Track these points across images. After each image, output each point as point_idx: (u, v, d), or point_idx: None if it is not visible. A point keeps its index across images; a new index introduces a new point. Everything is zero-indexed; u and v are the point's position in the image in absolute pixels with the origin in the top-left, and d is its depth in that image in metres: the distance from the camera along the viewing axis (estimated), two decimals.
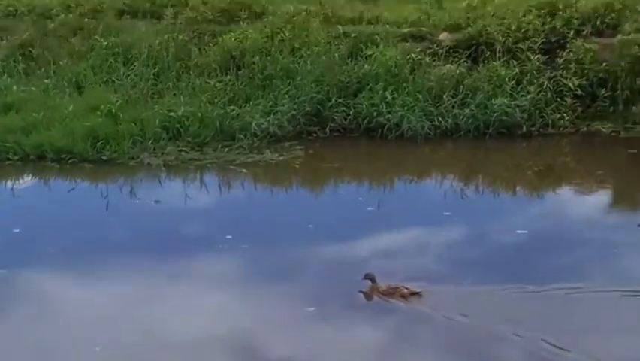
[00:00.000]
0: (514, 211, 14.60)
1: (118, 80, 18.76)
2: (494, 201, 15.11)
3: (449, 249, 12.82)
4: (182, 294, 11.40)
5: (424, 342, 10.20)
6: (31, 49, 19.66)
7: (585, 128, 17.72)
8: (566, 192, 15.75)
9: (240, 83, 18.51)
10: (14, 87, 18.49)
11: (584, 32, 18.58)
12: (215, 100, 18.03)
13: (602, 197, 15.27)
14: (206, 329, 10.38)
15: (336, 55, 18.61)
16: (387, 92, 17.84)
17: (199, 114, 17.49)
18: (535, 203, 15.09)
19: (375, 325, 10.63)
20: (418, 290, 11.06)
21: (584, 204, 14.96)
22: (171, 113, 17.47)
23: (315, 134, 17.87)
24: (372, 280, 11.25)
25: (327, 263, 12.26)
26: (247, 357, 9.96)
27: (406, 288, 11.08)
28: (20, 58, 19.51)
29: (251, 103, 18.01)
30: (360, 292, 11.28)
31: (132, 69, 18.98)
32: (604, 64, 17.91)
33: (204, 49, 19.44)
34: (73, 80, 18.83)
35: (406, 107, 17.62)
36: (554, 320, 10.32)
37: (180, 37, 19.46)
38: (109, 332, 10.36)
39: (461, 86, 17.91)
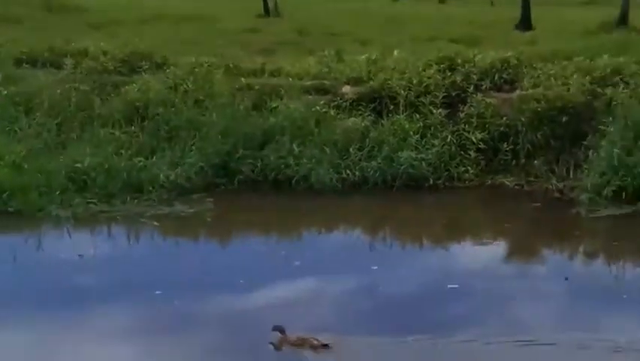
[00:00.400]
0: (419, 264, 14.88)
1: (20, 129, 18.41)
2: (400, 254, 15.23)
3: (352, 300, 12.98)
4: (75, 345, 11.30)
5: None
6: None
7: (489, 182, 18.11)
8: (470, 244, 15.90)
9: (145, 134, 18.43)
10: None
11: (483, 87, 19.09)
12: (122, 151, 17.85)
13: (505, 249, 15.63)
14: None
15: (241, 107, 18.73)
16: (294, 145, 17.97)
17: (106, 166, 17.35)
18: (440, 255, 15.31)
19: None
20: (328, 342, 11.08)
21: (488, 256, 15.14)
22: (77, 165, 17.29)
23: (223, 187, 17.86)
24: (282, 331, 11.25)
25: (232, 315, 12.27)
26: None
27: (316, 340, 11.12)
28: None
29: (157, 155, 17.94)
30: (270, 343, 11.24)
31: (34, 119, 18.66)
32: (504, 118, 18.40)
33: (107, 99, 19.32)
34: None
35: (313, 160, 17.80)
36: None
37: (82, 87, 19.27)
38: None
39: (367, 139, 18.20)
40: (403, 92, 18.77)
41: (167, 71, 19.87)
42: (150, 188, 17.17)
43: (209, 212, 16.58)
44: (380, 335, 11.41)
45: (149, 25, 27.54)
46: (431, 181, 17.80)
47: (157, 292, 12.82)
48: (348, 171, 17.77)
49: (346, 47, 22.79)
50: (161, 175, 17.31)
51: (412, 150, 17.94)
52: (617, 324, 11.79)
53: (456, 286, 13.12)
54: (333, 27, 27.65)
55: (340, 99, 19.09)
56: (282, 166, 17.80)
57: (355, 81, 19.63)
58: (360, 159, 17.95)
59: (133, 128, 18.57)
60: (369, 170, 17.76)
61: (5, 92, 18.99)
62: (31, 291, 13.09)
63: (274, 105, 18.82)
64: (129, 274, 13.83)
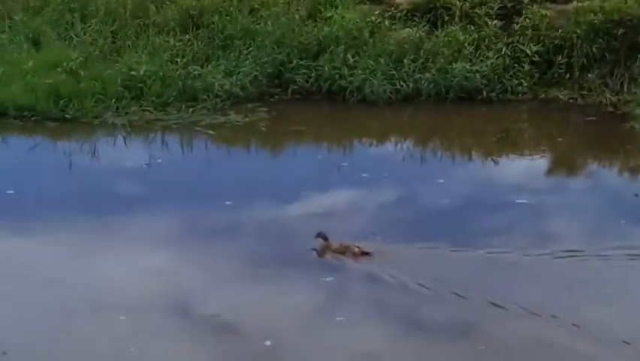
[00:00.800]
0: (468, 176, 14.72)
1: (76, 36, 18.54)
2: (450, 166, 15.15)
3: (399, 210, 12.93)
4: (114, 250, 11.36)
5: (362, 301, 10.19)
6: None
7: (543, 95, 17.97)
8: (522, 158, 15.76)
9: (199, 42, 18.47)
10: None
11: None
12: (176, 59, 17.91)
13: (557, 162, 15.48)
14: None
15: (296, 16, 18.69)
16: (348, 55, 17.93)
17: (161, 74, 17.43)
18: (489, 168, 15.17)
19: (316, 283, 10.56)
20: (370, 250, 11.16)
21: (538, 170, 14.95)
22: (133, 72, 17.36)
23: (277, 96, 17.94)
24: (325, 238, 11.31)
25: (281, 222, 12.27)
26: (182, 316, 9.81)
27: (358, 247, 11.18)
28: None
29: (212, 63, 17.95)
30: (313, 249, 11.33)
31: (90, 26, 18.77)
32: (559, 30, 18.15)
33: (161, 7, 19.32)
34: (30, 35, 18.56)
35: (367, 71, 17.73)
36: (497, 282, 10.45)
37: None
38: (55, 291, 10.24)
39: (421, 51, 18.04)
40: (458, 2, 18.58)
41: None
42: (205, 97, 17.24)
43: (263, 121, 16.64)
44: (421, 244, 11.43)
45: None
46: (484, 94, 17.69)
47: (209, 199, 13.01)
48: (402, 83, 17.69)
49: None
50: (216, 84, 17.34)
51: (466, 62, 17.82)
52: None
53: (503, 199, 13.19)
54: None
55: (395, 9, 18.93)
56: (336, 77, 17.75)
57: None
58: (414, 71, 17.84)
59: (188, 36, 18.60)
60: (422, 81, 17.68)
61: None
62: (85, 195, 13.22)
63: (329, 15, 18.71)
64: (181, 182, 13.92)
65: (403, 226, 12.31)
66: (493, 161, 15.49)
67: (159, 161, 14.79)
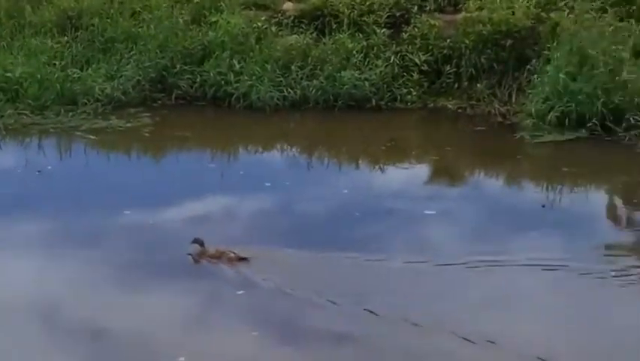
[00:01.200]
0: (353, 183, 14.31)
1: None
2: (336, 173, 14.78)
3: (279, 216, 12.63)
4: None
5: (234, 307, 10.00)
6: None
7: (432, 104, 17.76)
8: (408, 166, 15.48)
9: (78, 45, 17.84)
10: None
11: (427, 8, 18.64)
12: (54, 62, 17.25)
13: (445, 171, 15.22)
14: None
15: (180, 20, 18.15)
16: (234, 61, 17.49)
17: (38, 76, 16.75)
18: (375, 176, 14.86)
19: (189, 290, 10.30)
20: (246, 256, 10.98)
21: (424, 177, 14.77)
22: (8, 74, 16.62)
23: (160, 102, 17.39)
24: (201, 244, 11.11)
25: (160, 228, 11.88)
26: (48, 321, 9.44)
27: (234, 253, 11.02)
28: None
29: (93, 67, 17.33)
30: (189, 255, 11.05)
31: None
32: (448, 40, 17.98)
33: (38, 7, 18.56)
34: None
35: (254, 77, 17.31)
36: (374, 289, 10.27)
37: None
38: None
39: (309, 58, 17.70)
40: (346, 10, 18.28)
41: None
42: (85, 101, 16.61)
43: (146, 127, 16.07)
44: (298, 249, 11.15)
45: None
46: (374, 102, 17.39)
47: (86, 205, 12.46)
48: (289, 90, 17.32)
49: None
50: (97, 88, 16.73)
51: (354, 70, 17.53)
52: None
53: (386, 206, 12.88)
54: None
55: (281, 16, 18.58)
56: (222, 82, 17.30)
57: None
58: (301, 78, 17.47)
59: (66, 38, 17.95)
60: (310, 89, 17.32)
61: None
62: None
63: (214, 19, 18.24)
64: (57, 187, 13.40)
65: (281, 232, 11.96)
66: (379, 169, 15.17)
67: (49, 168, 14.05)
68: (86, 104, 16.58)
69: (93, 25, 18.05)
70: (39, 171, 13.77)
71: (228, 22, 18.06)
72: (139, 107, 16.95)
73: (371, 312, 9.52)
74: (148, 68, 17.34)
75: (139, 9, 18.39)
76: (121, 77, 17.13)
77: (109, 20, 18.11)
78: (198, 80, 17.44)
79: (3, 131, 15.45)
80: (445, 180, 14.68)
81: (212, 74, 17.36)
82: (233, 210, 12.81)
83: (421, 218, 12.44)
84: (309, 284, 10.20)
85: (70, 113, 16.27)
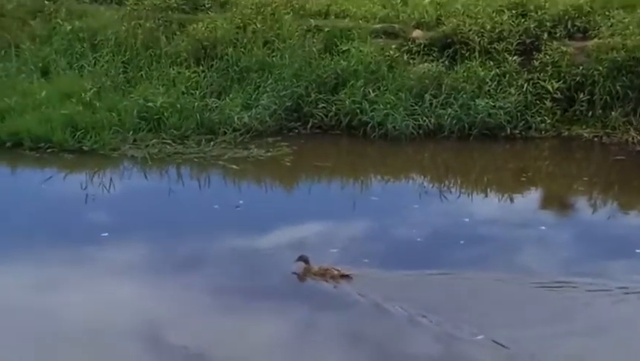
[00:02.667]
0: (474, 210, 14.33)
1: (88, 66, 18.00)
2: (458, 201, 14.77)
3: (395, 240, 12.87)
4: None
5: (335, 329, 10.20)
6: None
7: (566, 132, 17.67)
8: (544, 196, 15.54)
9: (214, 74, 18.03)
10: None
11: (557, 35, 18.62)
12: (192, 91, 17.48)
13: (576, 200, 15.22)
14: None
15: (314, 49, 18.30)
16: (369, 90, 17.57)
17: (178, 106, 16.97)
18: (506, 205, 14.82)
19: (290, 311, 10.60)
20: (349, 273, 11.31)
21: (559, 206, 14.85)
22: (149, 104, 16.88)
23: (296, 131, 17.51)
24: (306, 261, 11.49)
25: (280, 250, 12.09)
26: (150, 346, 9.69)
27: (337, 270, 11.37)
28: None
29: (230, 96, 17.53)
30: (294, 273, 11.41)
31: (101, 56, 18.25)
32: (580, 67, 17.92)
33: (172, 37, 18.85)
34: (39, 64, 18.02)
35: (388, 106, 17.37)
36: (472, 309, 10.49)
37: (148, 24, 18.80)
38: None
39: (442, 86, 17.71)
40: (476, 37, 18.33)
41: (234, 10, 19.31)
42: (224, 130, 16.81)
43: (286, 156, 16.15)
44: (403, 270, 11.52)
45: None
46: (508, 130, 17.39)
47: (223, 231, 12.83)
48: (424, 118, 17.37)
49: None
50: (235, 117, 16.93)
51: (488, 98, 17.53)
52: None
53: (504, 235, 13.07)
54: None
55: (412, 44, 18.66)
56: (357, 111, 17.37)
57: (425, 25, 19.24)
58: (435, 106, 17.50)
59: (201, 67, 18.14)
60: (445, 117, 17.33)
61: (70, 27, 18.54)
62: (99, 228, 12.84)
63: (345, 48, 18.36)
64: (204, 214, 13.59)
65: (392, 254, 12.27)
66: (509, 198, 15.09)
67: (241, 202, 14.12)
68: (225, 133, 16.79)
69: (227, 54, 18.26)
70: (217, 208, 14.05)
71: (360, 51, 18.19)
72: (276, 135, 17.08)
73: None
74: (284, 97, 17.47)
75: (272, 38, 18.58)
76: (257, 106, 17.31)
77: (242, 50, 18.33)
78: (333, 108, 17.53)
79: (149, 161, 15.68)
80: (580, 212, 14.68)
81: (347, 103, 17.47)
82: (355, 234, 13.05)
83: (542, 246, 12.59)
84: (411, 303, 10.45)
85: (212, 143, 16.44)
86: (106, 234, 12.55)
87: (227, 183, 15.17)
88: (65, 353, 9.31)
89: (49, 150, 15.93)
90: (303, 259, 11.48)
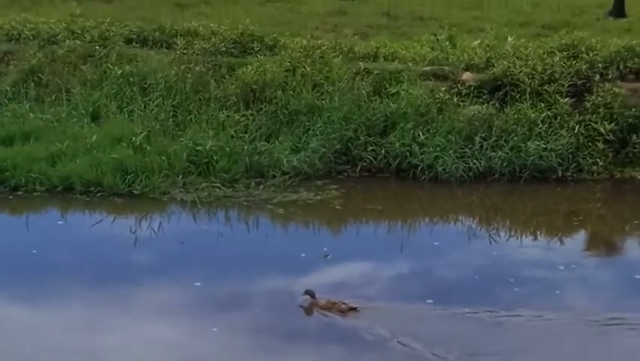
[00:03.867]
0: (520, 253, 14.36)
1: (138, 110, 18.09)
2: (505, 244, 14.77)
3: (432, 279, 13.16)
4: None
5: None
6: (40, 75, 18.89)
7: (619, 175, 17.50)
8: (592, 240, 15.52)
9: (263, 117, 18.00)
10: (30, 115, 17.73)
11: (609, 76, 18.50)
12: (241, 135, 17.50)
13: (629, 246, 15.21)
14: None
15: (363, 92, 18.25)
16: (419, 132, 17.50)
17: (227, 149, 16.97)
18: (548, 246, 14.85)
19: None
20: (356, 305, 11.55)
21: (607, 252, 14.90)
22: (199, 148, 16.90)
23: (345, 174, 17.43)
24: (312, 295, 11.72)
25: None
26: None
27: (344, 303, 11.58)
28: (31, 84, 18.73)
29: (279, 139, 17.51)
30: (301, 306, 11.67)
31: (151, 100, 18.31)
32: (633, 109, 17.81)
33: (222, 81, 18.88)
34: (90, 108, 18.13)
35: (438, 148, 17.28)
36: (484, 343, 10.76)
37: (197, 68, 18.90)
38: None
39: (492, 128, 17.59)
40: (527, 79, 18.20)
41: (283, 53, 19.33)
42: (274, 173, 16.75)
43: (335, 199, 16.08)
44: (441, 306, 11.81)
45: (238, 6, 27.29)
46: (559, 173, 17.20)
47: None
48: (474, 161, 17.23)
49: (436, 31, 22.26)
50: (284, 160, 16.89)
51: (539, 140, 17.36)
52: None
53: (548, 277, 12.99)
54: (418, 11, 27.01)
55: (461, 86, 18.56)
56: (407, 154, 17.28)
57: (474, 67, 19.17)
58: (486, 149, 17.37)
59: (250, 111, 18.10)
60: (496, 160, 17.20)
61: (120, 71, 18.64)
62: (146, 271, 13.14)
63: (394, 91, 18.29)
64: (250, 258, 13.59)
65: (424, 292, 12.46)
66: (560, 240, 15.07)
67: (328, 254, 13.82)
68: (274, 176, 16.74)
69: (276, 97, 18.23)
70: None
71: (410, 93, 18.11)
72: (325, 179, 16.99)
73: None
74: (333, 139, 17.42)
75: (321, 81, 18.56)
76: (307, 149, 17.25)
77: (291, 93, 18.29)
78: (382, 151, 17.44)
79: (198, 205, 15.66)
80: (630, 253, 14.54)
81: (396, 146, 17.36)
82: (400, 273, 13.28)
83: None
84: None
85: (261, 186, 16.42)
86: (152, 276, 12.77)
87: (276, 226, 15.18)
88: None
89: (99, 194, 15.96)
90: (309, 293, 11.74)
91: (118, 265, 13.23)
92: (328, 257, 13.47)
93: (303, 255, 13.67)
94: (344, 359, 10.71)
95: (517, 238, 15.14)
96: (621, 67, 18.68)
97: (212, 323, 11.28)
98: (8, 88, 19.05)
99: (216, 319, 11.45)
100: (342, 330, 11.19)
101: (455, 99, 18.26)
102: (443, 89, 18.49)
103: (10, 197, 16.11)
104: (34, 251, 13.60)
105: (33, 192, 16.05)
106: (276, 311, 11.79)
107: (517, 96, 18.20)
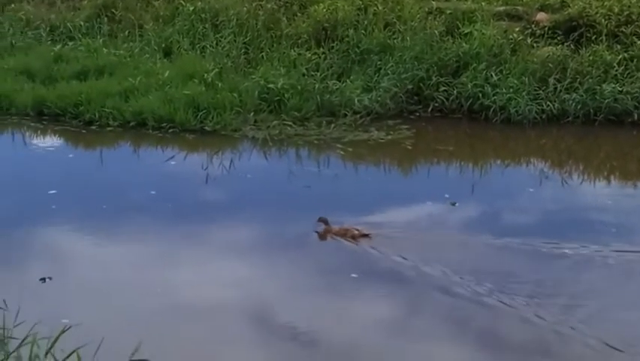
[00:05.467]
0: (589, 197, 14.06)
1: (210, 47, 18.10)
2: (572, 187, 14.41)
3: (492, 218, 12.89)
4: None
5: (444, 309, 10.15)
6: (113, 10, 19.00)
7: None
8: None
9: (334, 56, 17.93)
10: (104, 50, 17.83)
11: None
12: (312, 73, 17.44)
13: None
14: None
15: (435, 31, 18.08)
16: (492, 73, 17.30)
17: (299, 87, 16.94)
18: (620, 190, 14.49)
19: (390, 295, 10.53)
20: (369, 232, 11.71)
21: None
22: (270, 85, 16.88)
23: (417, 114, 17.32)
24: (326, 222, 11.90)
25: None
26: (259, 324, 9.67)
27: (357, 230, 11.76)
28: (105, 19, 18.84)
29: (351, 78, 17.42)
30: (315, 232, 11.86)
31: (222, 36, 18.33)
32: None
33: (293, 19, 18.85)
34: (162, 45, 18.21)
35: (511, 90, 17.06)
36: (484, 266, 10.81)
37: (269, 5, 18.84)
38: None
39: (567, 70, 17.29)
40: (603, 20, 17.89)
41: None
42: (345, 112, 16.72)
43: (407, 140, 15.98)
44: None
45: None
46: (635, 116, 16.87)
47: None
48: (547, 103, 17.03)
49: None
50: (355, 99, 16.80)
51: (614, 83, 17.06)
52: None
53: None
54: None
55: (535, 26, 18.30)
56: (479, 95, 17.11)
57: (549, 8, 18.86)
58: (560, 91, 17.11)
59: (321, 49, 18.05)
60: (570, 102, 16.96)
61: (192, 7, 18.67)
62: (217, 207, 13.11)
63: (467, 31, 18.10)
64: (318, 196, 13.47)
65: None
66: (635, 185, 14.78)
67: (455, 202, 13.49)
68: (345, 115, 16.70)
69: (348, 36, 18.16)
70: (308, 186, 13.88)
71: (483, 34, 17.91)
72: (396, 119, 16.90)
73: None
74: (404, 79, 17.29)
75: (393, 20, 18.43)
76: (378, 88, 17.16)
77: (363, 32, 18.19)
78: (454, 92, 17.30)
79: (270, 142, 15.69)
80: None
81: (469, 86, 17.20)
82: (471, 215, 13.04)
83: None
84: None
85: (332, 125, 16.38)
86: (223, 213, 12.80)
87: (347, 165, 15.06)
88: (179, 329, 9.35)
89: (171, 130, 16.05)
90: (322, 220, 11.91)
91: (189, 202, 13.23)
92: (456, 205, 13.22)
93: (371, 195, 13.59)
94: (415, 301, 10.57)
95: (590, 181, 14.87)
96: None
97: (280, 262, 11.26)
98: (82, 23, 19.24)
99: (285, 256, 11.41)
100: (415, 273, 10.92)
101: (529, 40, 18.01)
102: (517, 29, 18.26)
103: (84, 131, 16.27)
104: (108, 185, 13.73)
105: (107, 126, 16.20)
106: (346, 252, 11.62)
107: (593, 37, 17.87)
